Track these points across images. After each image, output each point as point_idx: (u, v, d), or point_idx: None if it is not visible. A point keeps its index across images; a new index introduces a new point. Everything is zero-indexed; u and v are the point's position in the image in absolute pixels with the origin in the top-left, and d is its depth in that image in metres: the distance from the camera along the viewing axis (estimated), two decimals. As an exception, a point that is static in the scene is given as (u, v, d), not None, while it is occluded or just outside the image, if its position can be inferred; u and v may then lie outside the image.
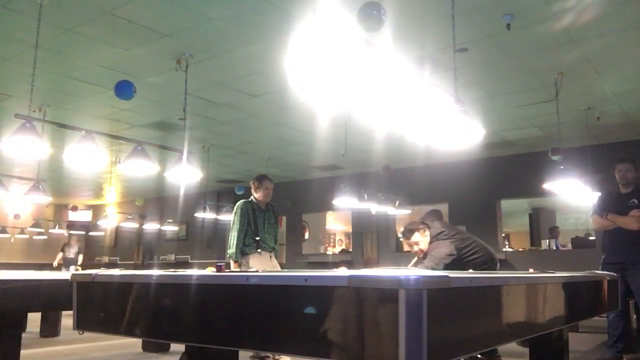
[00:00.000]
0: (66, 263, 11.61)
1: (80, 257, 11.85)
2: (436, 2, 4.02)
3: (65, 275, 3.43)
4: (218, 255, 11.78)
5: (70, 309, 2.44)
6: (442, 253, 4.19)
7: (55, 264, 11.63)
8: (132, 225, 12.76)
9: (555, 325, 2.60)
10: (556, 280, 2.66)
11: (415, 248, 4.40)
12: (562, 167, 6.06)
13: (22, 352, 3.53)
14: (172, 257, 13.22)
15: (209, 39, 4.79)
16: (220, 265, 2.51)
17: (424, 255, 4.38)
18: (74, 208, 15.03)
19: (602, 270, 4.44)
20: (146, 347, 5.20)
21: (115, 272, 2.41)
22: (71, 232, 14.89)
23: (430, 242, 4.35)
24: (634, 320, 5.34)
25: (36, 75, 4.57)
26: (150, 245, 13.99)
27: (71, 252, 11.76)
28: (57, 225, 13.93)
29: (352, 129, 7.17)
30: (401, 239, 4.55)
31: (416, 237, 4.38)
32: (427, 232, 4.38)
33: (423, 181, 9.55)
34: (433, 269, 4.06)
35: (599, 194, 5.23)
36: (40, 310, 5.37)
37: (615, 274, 3.74)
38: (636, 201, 4.54)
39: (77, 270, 10.81)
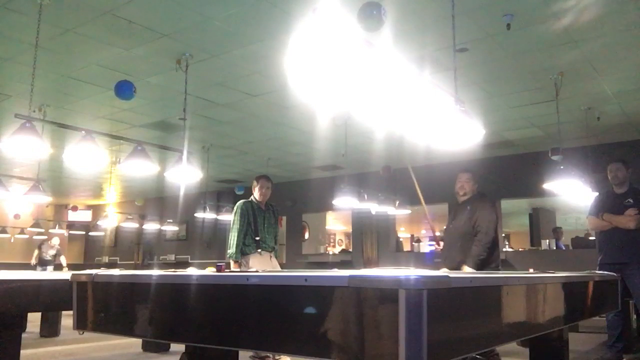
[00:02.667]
0: (41, 262, 11.37)
1: (63, 259, 11.65)
2: (436, 2, 4.02)
3: (65, 275, 3.43)
4: (218, 255, 11.78)
5: (70, 309, 2.44)
6: (492, 216, 4.22)
7: (32, 262, 11.48)
8: (132, 225, 12.76)
9: (555, 325, 2.60)
10: (556, 280, 2.66)
11: (466, 186, 4.40)
12: (562, 167, 6.06)
13: (22, 352, 3.54)
14: (172, 257, 13.23)
15: (209, 39, 4.80)
16: (220, 265, 2.51)
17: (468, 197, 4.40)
18: (74, 208, 15.03)
19: (599, 271, 4.44)
20: (146, 347, 5.20)
21: (115, 272, 2.41)
22: (71, 232, 14.90)
23: (473, 194, 4.42)
24: (633, 320, 5.34)
25: (36, 75, 4.57)
26: (150, 245, 13.99)
27: (48, 253, 11.53)
28: (57, 225, 13.93)
29: (352, 129, 7.17)
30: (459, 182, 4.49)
31: (469, 177, 4.43)
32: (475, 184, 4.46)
33: (423, 181, 9.50)
34: (487, 234, 4.13)
35: (595, 194, 5.23)
36: (40, 310, 5.37)
37: (615, 274, 3.74)
38: (631, 200, 4.55)
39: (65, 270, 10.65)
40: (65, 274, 3.39)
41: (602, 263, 4.64)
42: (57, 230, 13.84)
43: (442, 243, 4.61)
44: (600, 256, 4.71)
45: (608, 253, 4.63)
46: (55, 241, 11.78)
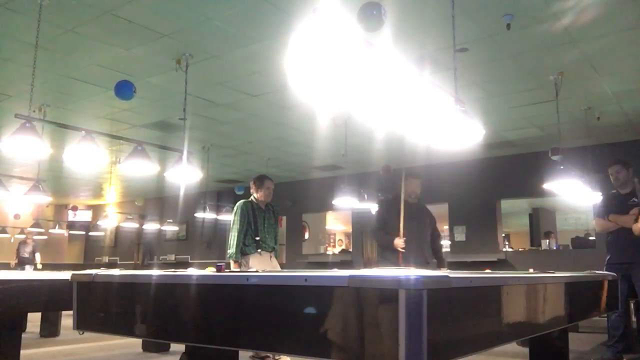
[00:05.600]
0: (21, 262, 11.39)
1: (38, 257, 11.65)
2: (436, 2, 4.02)
3: (65, 275, 3.43)
4: (218, 255, 11.78)
5: (70, 309, 2.44)
6: None
7: (12, 263, 11.48)
8: (132, 225, 12.76)
9: (555, 325, 2.60)
10: (556, 280, 2.66)
11: (417, 190, 4.81)
12: (562, 167, 6.06)
13: (22, 352, 3.54)
14: (172, 257, 13.23)
15: (209, 39, 4.80)
16: (220, 265, 2.51)
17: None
18: (74, 208, 15.02)
19: (606, 270, 4.44)
20: (146, 347, 5.20)
21: (115, 272, 2.41)
22: (71, 232, 14.88)
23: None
24: (634, 321, 5.33)
25: (36, 75, 4.57)
26: (150, 245, 13.99)
27: (25, 252, 11.53)
28: (57, 225, 13.93)
29: (352, 129, 7.17)
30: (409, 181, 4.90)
31: (420, 182, 4.88)
32: None
33: (423, 181, 9.53)
34: None
35: (600, 196, 5.23)
36: (40, 310, 5.37)
37: (615, 274, 3.74)
38: (636, 200, 4.56)
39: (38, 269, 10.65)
40: (65, 274, 3.39)
41: (610, 263, 4.64)
42: (57, 230, 13.85)
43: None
44: (608, 256, 4.72)
45: (615, 253, 4.64)
46: (31, 237, 11.75)
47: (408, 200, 4.72)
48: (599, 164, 7.18)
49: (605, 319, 4.67)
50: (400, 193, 4.77)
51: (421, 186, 4.85)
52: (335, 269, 3.58)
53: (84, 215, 15.30)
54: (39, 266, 11.23)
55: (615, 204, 4.67)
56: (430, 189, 9.61)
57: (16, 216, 14.49)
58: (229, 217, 5.67)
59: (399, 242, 4.46)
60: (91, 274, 2.36)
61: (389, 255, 4.54)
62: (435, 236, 4.86)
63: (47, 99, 6.31)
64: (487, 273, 2.60)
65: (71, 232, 15.18)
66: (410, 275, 1.45)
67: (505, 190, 9.08)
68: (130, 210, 13.56)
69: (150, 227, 12.93)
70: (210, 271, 2.52)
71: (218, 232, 12.16)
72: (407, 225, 4.56)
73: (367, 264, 10.17)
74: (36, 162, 8.23)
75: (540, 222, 11.97)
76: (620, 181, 4.67)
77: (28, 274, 4.75)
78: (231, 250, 4.72)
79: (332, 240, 17.19)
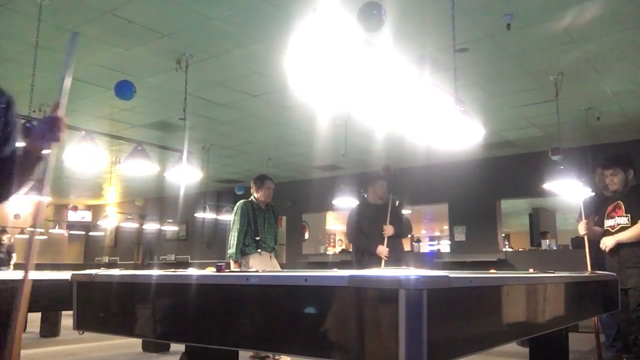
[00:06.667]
0: None
1: (14, 257, 11.53)
2: (436, 2, 4.02)
3: (65, 275, 3.43)
4: (218, 255, 11.77)
5: (70, 309, 2.44)
6: None
7: None
8: (132, 225, 12.76)
9: (555, 325, 2.60)
10: (556, 280, 2.66)
11: (386, 191, 4.87)
12: (562, 167, 6.06)
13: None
14: (172, 257, 13.23)
15: (209, 39, 4.80)
16: (220, 265, 2.51)
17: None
18: (74, 208, 15.02)
19: (590, 269, 4.45)
20: (146, 347, 5.20)
21: (115, 272, 2.41)
22: (71, 232, 14.87)
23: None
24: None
25: (36, 75, 4.57)
26: (150, 245, 13.98)
27: (1, 252, 11.40)
28: (57, 225, 13.92)
29: (352, 129, 7.17)
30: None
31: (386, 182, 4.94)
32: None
33: (423, 181, 9.54)
34: None
35: (588, 196, 5.22)
36: (40, 310, 5.38)
37: (615, 274, 3.74)
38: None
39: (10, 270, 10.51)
40: (66, 274, 3.39)
41: (594, 263, 4.65)
42: (57, 230, 13.84)
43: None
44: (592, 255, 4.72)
45: (597, 252, 4.63)
46: (5, 237, 11.59)
47: (372, 203, 4.85)
48: (598, 164, 7.17)
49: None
50: (367, 196, 4.95)
51: (385, 185, 4.89)
52: (335, 269, 3.58)
53: (84, 215, 15.29)
54: (11, 267, 11.04)
55: (599, 206, 4.65)
56: (430, 189, 9.65)
57: (16, 216, 14.49)
58: (229, 217, 5.68)
59: (383, 250, 4.57)
60: (91, 274, 2.36)
61: (366, 260, 4.64)
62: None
63: (47, 99, 6.30)
64: (492, 273, 2.60)
65: (71, 232, 15.18)
66: (410, 275, 1.45)
67: (505, 190, 9.08)
68: (130, 210, 13.56)
69: (150, 227, 12.93)
70: (210, 271, 2.52)
71: (218, 232, 12.16)
72: (374, 226, 4.66)
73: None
74: (36, 162, 8.22)
75: (540, 222, 11.97)
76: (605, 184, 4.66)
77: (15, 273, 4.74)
78: (231, 250, 4.72)
79: (332, 240, 17.18)
